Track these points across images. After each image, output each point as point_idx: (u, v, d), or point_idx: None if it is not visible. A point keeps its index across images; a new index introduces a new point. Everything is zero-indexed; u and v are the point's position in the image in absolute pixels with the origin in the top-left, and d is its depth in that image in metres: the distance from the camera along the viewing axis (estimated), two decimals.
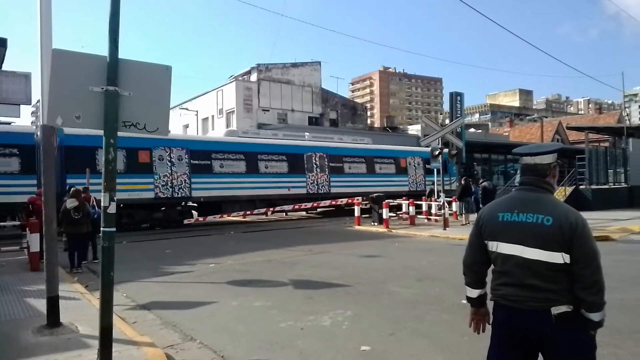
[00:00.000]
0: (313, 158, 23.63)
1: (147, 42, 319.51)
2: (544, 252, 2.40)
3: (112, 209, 4.35)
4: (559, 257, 2.38)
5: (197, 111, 41.21)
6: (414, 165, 27.36)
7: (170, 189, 18.97)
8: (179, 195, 19.33)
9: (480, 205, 18.21)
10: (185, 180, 19.37)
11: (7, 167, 16.34)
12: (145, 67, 4.79)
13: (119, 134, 4.46)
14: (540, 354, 2.53)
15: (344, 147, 25.59)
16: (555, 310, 2.38)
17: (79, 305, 6.83)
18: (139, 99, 4.61)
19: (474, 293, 2.81)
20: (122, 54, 4.48)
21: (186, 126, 42.09)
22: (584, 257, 2.36)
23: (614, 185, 26.82)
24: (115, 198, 4.41)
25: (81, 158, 16.26)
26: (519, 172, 2.78)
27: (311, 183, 23.55)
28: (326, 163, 24.10)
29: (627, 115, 61.58)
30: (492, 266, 2.72)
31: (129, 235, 15.87)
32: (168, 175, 18.98)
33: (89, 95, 4.40)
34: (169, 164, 19.07)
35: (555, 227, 2.39)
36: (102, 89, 4.40)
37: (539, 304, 2.41)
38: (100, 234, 4.32)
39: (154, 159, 18.67)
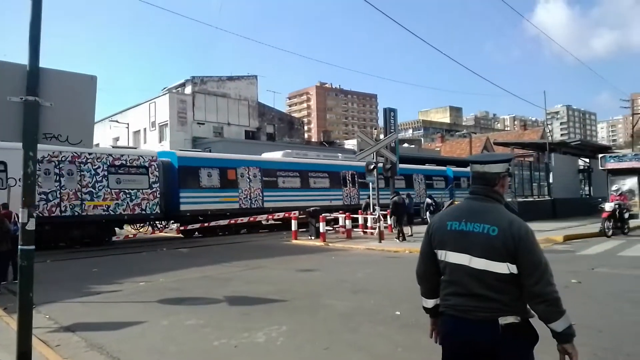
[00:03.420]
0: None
1: (74, 53, 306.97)
2: (490, 262, 2.38)
3: (31, 226, 4.11)
4: (504, 268, 2.36)
5: (128, 124, 39.93)
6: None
7: None
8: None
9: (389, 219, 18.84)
10: None
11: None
12: (68, 77, 4.59)
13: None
14: None
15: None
16: (503, 320, 2.35)
17: None
18: (62, 110, 4.40)
19: (429, 303, 2.76)
20: (47, 64, 4.28)
21: (116, 139, 40.64)
22: (528, 267, 2.35)
23: (538, 197, 28.26)
24: (34, 214, 4.17)
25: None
26: (470, 180, 2.77)
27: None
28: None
29: (550, 131, 65.48)
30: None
31: (52, 254, 15.04)
32: None
33: (7, 105, 4.16)
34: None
35: (499, 237, 2.38)
36: (21, 99, 4.17)
37: (486, 314, 2.37)
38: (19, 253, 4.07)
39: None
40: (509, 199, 25.82)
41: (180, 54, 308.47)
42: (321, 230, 18.05)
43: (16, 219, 10.58)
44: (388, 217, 20.30)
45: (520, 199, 26.08)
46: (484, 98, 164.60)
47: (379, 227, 17.12)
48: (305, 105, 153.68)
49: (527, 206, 25.81)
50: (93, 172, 18.73)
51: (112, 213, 19.06)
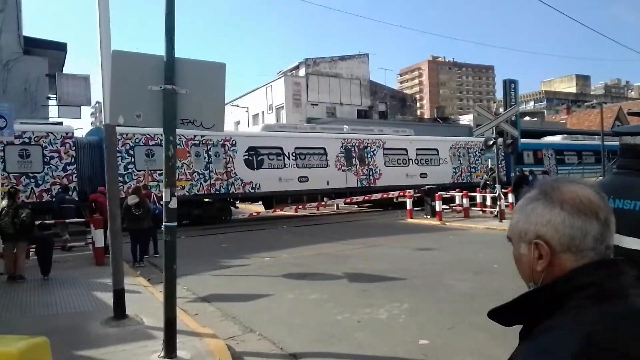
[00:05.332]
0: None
1: (193, 40, 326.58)
2: None
3: (174, 204, 4.47)
4: None
5: (247, 107, 41.82)
6: None
7: None
8: None
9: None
10: None
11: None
12: (200, 65, 4.89)
13: None
14: None
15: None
16: None
17: (143, 298, 7.10)
18: (196, 97, 4.70)
19: None
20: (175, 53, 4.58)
21: (237, 122, 42.80)
22: None
23: None
24: (176, 193, 4.54)
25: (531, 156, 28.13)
26: (618, 154, 2.57)
27: None
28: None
29: None
30: None
31: (186, 230, 16.34)
32: None
33: (148, 94, 4.53)
34: None
35: None
36: (161, 87, 4.51)
37: None
38: (163, 229, 4.46)
39: None
40: None
41: (293, 36, 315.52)
42: (437, 209, 17.67)
43: (154, 198, 11.64)
44: (509, 195, 19.40)
45: None
46: (616, 64, 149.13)
47: (500, 205, 16.37)
48: (417, 81, 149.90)
49: None
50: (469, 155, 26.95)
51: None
